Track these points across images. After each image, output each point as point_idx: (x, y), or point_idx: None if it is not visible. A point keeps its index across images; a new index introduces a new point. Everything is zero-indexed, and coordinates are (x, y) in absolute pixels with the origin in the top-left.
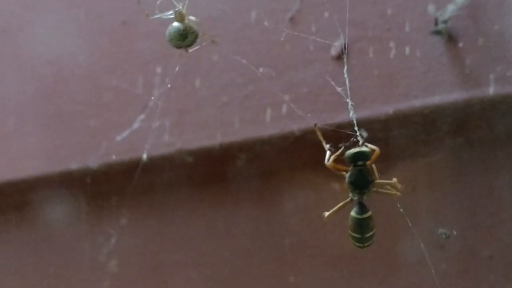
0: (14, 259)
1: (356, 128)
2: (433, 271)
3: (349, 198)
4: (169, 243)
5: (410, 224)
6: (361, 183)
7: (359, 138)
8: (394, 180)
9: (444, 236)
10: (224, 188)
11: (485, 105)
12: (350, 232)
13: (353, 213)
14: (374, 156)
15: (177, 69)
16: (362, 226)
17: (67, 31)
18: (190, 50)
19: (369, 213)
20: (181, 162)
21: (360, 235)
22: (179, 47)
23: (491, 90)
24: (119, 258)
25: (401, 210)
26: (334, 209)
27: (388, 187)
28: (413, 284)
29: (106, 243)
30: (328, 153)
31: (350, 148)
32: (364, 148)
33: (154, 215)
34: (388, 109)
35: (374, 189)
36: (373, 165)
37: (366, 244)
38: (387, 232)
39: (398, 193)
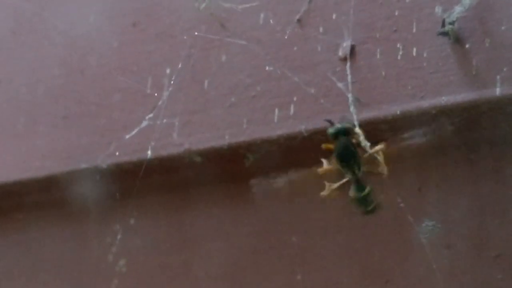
0: (24, 258)
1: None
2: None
3: (346, 178)
4: (177, 243)
5: (413, 223)
6: (346, 155)
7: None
8: (381, 146)
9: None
10: (232, 188)
11: (492, 106)
12: (357, 209)
13: (351, 192)
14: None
15: (186, 69)
16: (363, 203)
17: (77, 32)
18: None
19: (368, 189)
20: (189, 162)
21: (363, 210)
22: None
23: (498, 91)
24: (127, 258)
25: (402, 205)
26: (331, 187)
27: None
28: (420, 284)
29: (115, 242)
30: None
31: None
32: (343, 124)
33: (163, 215)
34: (396, 109)
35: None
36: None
37: (370, 213)
38: (394, 232)
39: (384, 172)
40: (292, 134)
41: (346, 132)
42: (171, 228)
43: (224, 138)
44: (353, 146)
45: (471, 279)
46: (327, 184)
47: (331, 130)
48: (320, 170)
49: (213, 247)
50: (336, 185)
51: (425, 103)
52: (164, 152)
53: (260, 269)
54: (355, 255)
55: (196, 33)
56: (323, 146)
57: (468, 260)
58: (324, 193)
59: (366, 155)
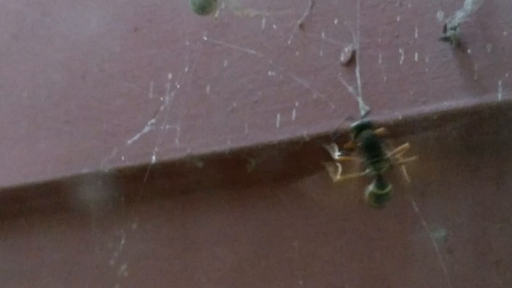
0: (26, 263)
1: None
2: (445, 274)
3: (366, 173)
4: (179, 247)
5: (415, 227)
6: (372, 147)
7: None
8: (406, 145)
9: None
10: (234, 192)
11: (493, 111)
12: (369, 203)
13: (372, 188)
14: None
15: (188, 74)
16: (382, 200)
17: (79, 37)
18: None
19: (390, 187)
20: (191, 167)
21: (379, 206)
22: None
23: (500, 96)
24: (129, 262)
25: (404, 209)
26: (348, 176)
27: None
28: None
29: (117, 247)
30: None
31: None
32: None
33: (164, 220)
34: (397, 114)
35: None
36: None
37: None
38: (398, 237)
39: (411, 158)
40: (294, 139)
41: (370, 127)
42: (173, 232)
43: (226, 143)
44: (378, 140)
45: (472, 284)
46: (339, 169)
47: (355, 124)
48: (340, 158)
49: (215, 252)
50: (353, 175)
51: (427, 108)
52: (166, 157)
53: (262, 274)
54: (357, 260)
55: (198, 38)
56: (345, 146)
57: (469, 265)
58: (338, 177)
59: (389, 154)
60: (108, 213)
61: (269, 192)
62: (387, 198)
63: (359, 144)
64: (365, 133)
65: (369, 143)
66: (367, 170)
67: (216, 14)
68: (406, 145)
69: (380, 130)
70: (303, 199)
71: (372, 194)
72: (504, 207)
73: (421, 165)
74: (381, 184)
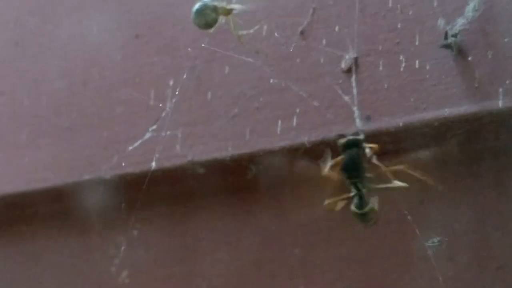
0: (27, 269)
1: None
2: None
3: (352, 193)
4: (180, 254)
5: (416, 235)
6: (351, 168)
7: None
8: (402, 167)
9: None
10: (234, 199)
11: (494, 118)
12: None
13: (352, 206)
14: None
15: (189, 81)
16: (362, 219)
17: (80, 44)
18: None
19: (369, 207)
20: (192, 173)
21: (362, 223)
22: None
23: (501, 103)
24: (130, 269)
25: (409, 217)
26: (335, 199)
27: (394, 181)
28: None
29: (117, 254)
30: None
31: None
32: (354, 136)
33: (165, 226)
34: (398, 121)
35: (379, 186)
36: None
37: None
38: (398, 244)
39: (404, 184)
40: (294, 146)
41: (356, 145)
42: (174, 239)
43: (227, 150)
44: (360, 160)
45: None
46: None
47: (341, 141)
48: (324, 172)
49: (215, 259)
50: (337, 198)
51: (428, 115)
52: (167, 164)
53: (263, 281)
54: (358, 267)
55: (199, 45)
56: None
57: (470, 272)
58: (327, 202)
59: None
60: (109, 219)
61: (270, 198)
62: (367, 219)
63: (340, 165)
64: (348, 153)
65: (349, 164)
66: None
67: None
68: (402, 167)
69: (373, 146)
70: (304, 206)
71: (353, 213)
72: (504, 214)
73: (422, 172)
74: (360, 203)
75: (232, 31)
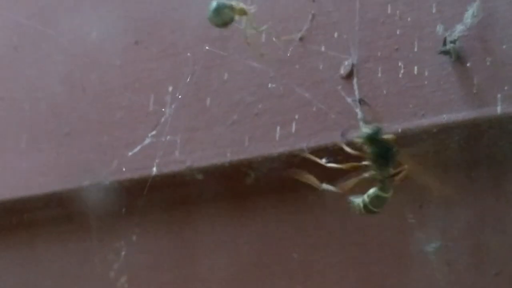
0: (27, 274)
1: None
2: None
3: (370, 176)
4: (179, 259)
5: (414, 239)
6: (388, 154)
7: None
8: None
9: None
10: (233, 205)
11: (492, 124)
12: (369, 207)
13: (376, 190)
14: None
15: (188, 87)
16: (381, 204)
17: (80, 49)
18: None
19: (391, 192)
20: (191, 179)
21: (377, 210)
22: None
23: (499, 109)
24: (129, 274)
25: (408, 221)
26: (352, 181)
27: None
28: None
29: (117, 259)
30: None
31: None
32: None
33: (164, 232)
34: (397, 127)
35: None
36: None
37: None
38: (397, 249)
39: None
40: (293, 152)
41: (381, 131)
42: (172, 244)
43: (226, 156)
44: (391, 147)
45: None
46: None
47: (368, 131)
48: (346, 165)
49: (214, 264)
50: (354, 179)
51: (426, 121)
52: (166, 169)
53: (262, 286)
54: (357, 271)
55: (198, 51)
56: (354, 153)
57: (468, 277)
58: (343, 184)
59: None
60: (108, 225)
61: (268, 204)
62: (384, 203)
63: (373, 153)
64: (380, 141)
65: (385, 150)
66: (372, 173)
67: None
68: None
69: (391, 137)
70: (302, 211)
71: (375, 196)
72: (503, 219)
73: (420, 177)
74: (385, 188)
75: (244, 31)
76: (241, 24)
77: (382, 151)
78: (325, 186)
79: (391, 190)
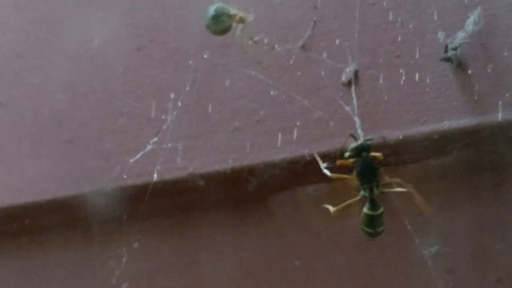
0: (28, 281)
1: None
2: None
3: (360, 196)
4: (180, 266)
5: (416, 246)
6: (369, 172)
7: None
8: (398, 180)
9: None
10: (235, 211)
11: (494, 131)
12: (363, 227)
13: (365, 209)
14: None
15: (190, 94)
16: (375, 222)
17: (82, 56)
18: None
19: (381, 210)
20: (193, 186)
21: (372, 230)
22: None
23: (500, 116)
24: (130, 281)
25: (409, 227)
26: (343, 204)
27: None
28: None
29: (118, 265)
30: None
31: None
32: (365, 141)
33: (166, 238)
34: (398, 134)
35: (383, 189)
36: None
37: (376, 236)
38: (397, 255)
39: (405, 190)
40: (295, 159)
41: (367, 150)
42: (174, 251)
43: (228, 162)
44: (377, 165)
45: None
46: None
47: (353, 145)
48: (333, 175)
49: (216, 271)
50: (346, 203)
51: (428, 128)
52: (168, 176)
53: None
54: (358, 278)
55: (200, 58)
56: (338, 162)
57: (469, 284)
58: (334, 208)
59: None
60: (110, 231)
61: (270, 211)
62: (380, 222)
63: (356, 167)
64: (363, 157)
65: (366, 167)
66: (361, 192)
67: None
68: (398, 180)
69: (377, 154)
70: (304, 218)
71: (365, 215)
72: (504, 226)
73: (422, 185)
74: (374, 206)
75: (240, 39)
76: (236, 32)
77: (364, 167)
78: (326, 206)
79: (381, 208)
